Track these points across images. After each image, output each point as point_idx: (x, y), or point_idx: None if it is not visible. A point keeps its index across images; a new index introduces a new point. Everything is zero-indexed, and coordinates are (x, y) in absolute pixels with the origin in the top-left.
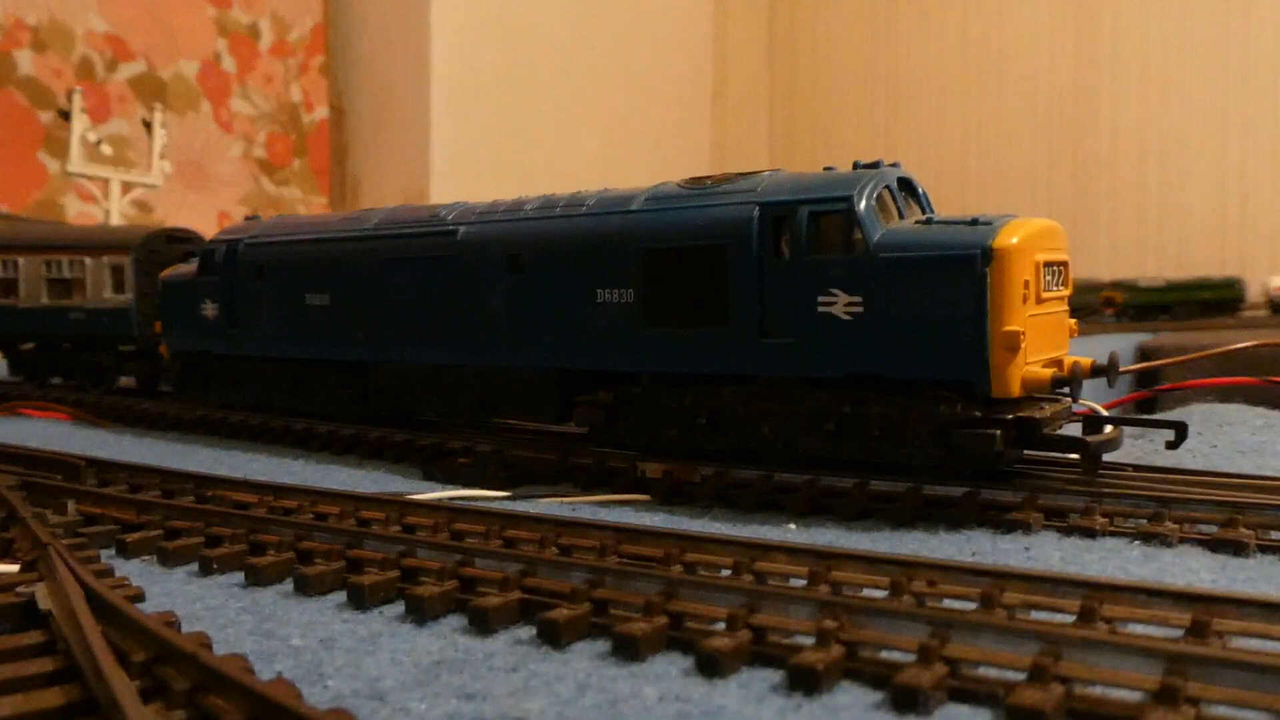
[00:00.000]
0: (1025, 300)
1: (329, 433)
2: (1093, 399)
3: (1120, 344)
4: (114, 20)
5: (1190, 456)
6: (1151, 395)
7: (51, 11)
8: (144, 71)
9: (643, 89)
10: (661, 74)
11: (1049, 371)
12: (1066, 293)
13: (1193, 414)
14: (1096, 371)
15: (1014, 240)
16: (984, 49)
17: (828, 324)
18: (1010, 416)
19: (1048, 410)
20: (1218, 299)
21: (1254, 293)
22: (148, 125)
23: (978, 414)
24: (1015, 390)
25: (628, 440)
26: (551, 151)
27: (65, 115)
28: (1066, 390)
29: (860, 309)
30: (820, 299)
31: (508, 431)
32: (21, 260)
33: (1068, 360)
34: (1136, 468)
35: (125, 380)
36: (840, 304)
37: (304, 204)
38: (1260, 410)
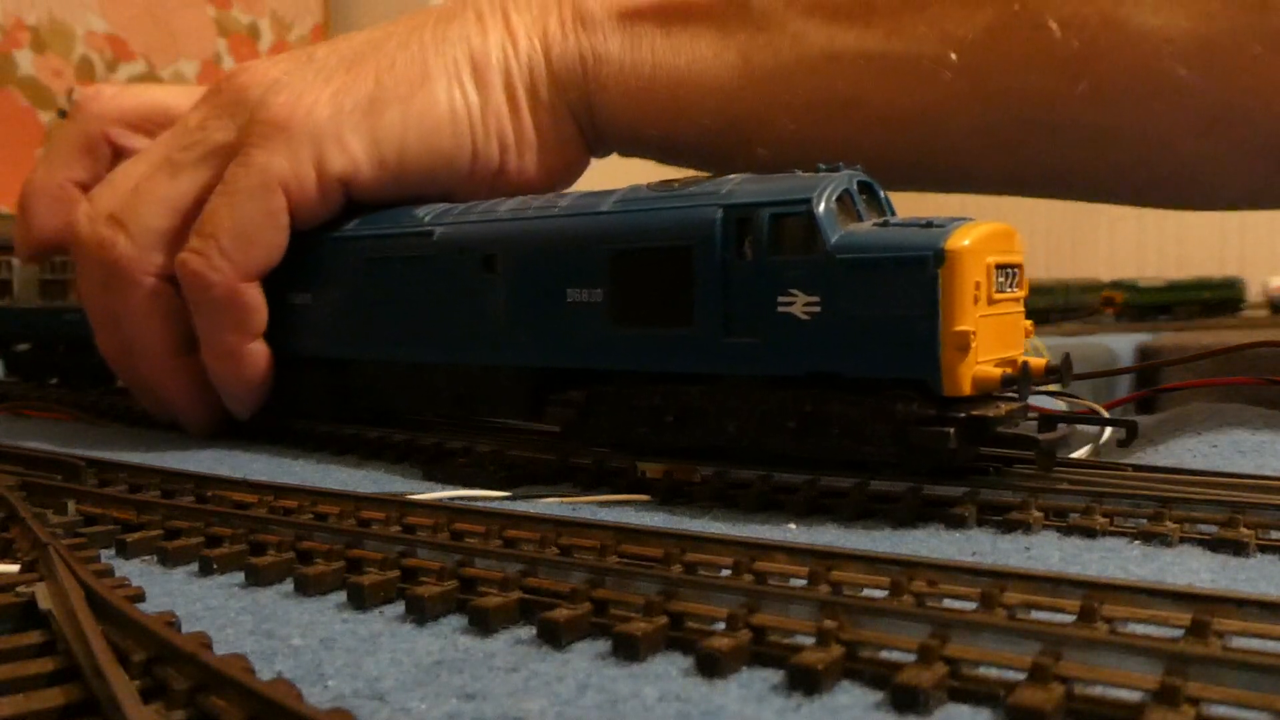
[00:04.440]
0: (976, 301)
1: (329, 433)
2: (1092, 399)
3: (1120, 344)
4: (114, 20)
5: (1190, 456)
6: (1151, 395)
7: (51, 11)
8: (144, 71)
9: None
10: None
11: (999, 371)
12: (1021, 294)
13: (1193, 414)
14: (1050, 372)
15: (965, 243)
16: None
17: (787, 323)
18: (963, 415)
19: (1002, 409)
20: (1218, 299)
21: (1254, 293)
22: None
23: (932, 412)
24: (966, 389)
25: (599, 438)
26: None
27: (65, 115)
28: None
29: (818, 309)
30: (780, 299)
31: (508, 431)
32: (16, 261)
33: (1021, 360)
34: (1136, 468)
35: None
36: (799, 304)
37: None
38: (1260, 410)
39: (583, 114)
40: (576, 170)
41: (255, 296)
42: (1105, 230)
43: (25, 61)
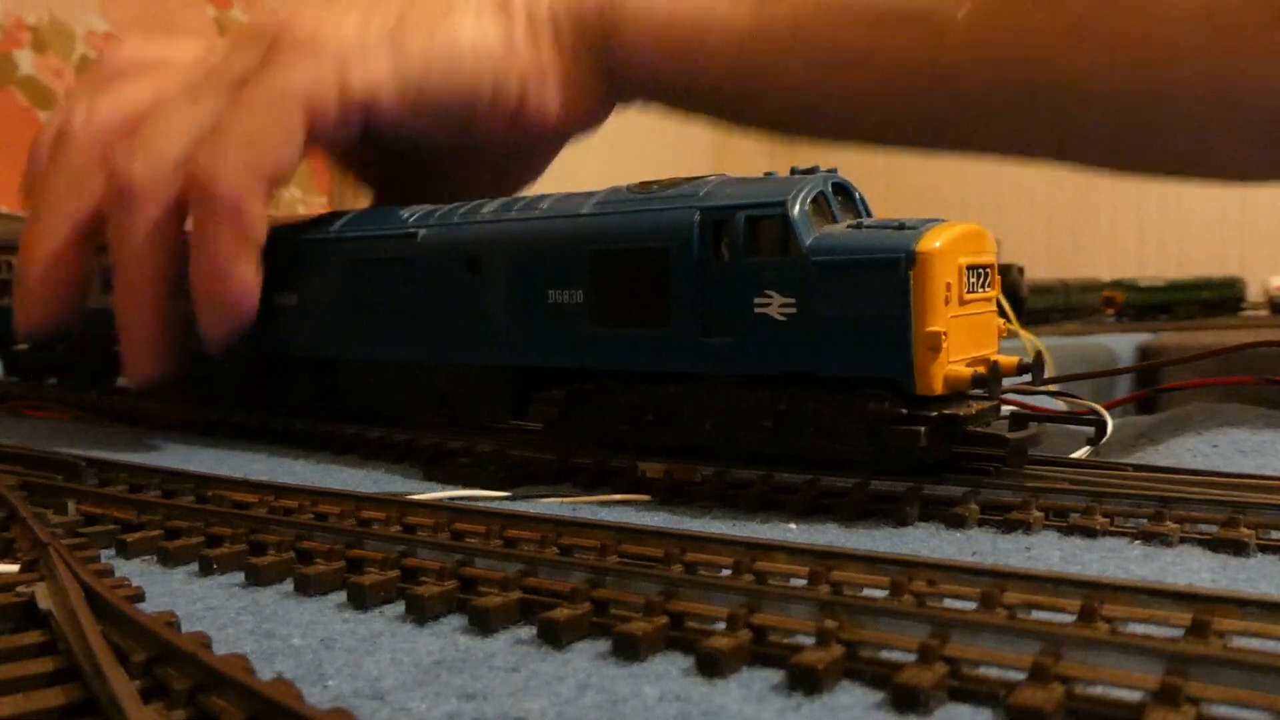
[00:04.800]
0: (948, 302)
1: (329, 433)
2: (1092, 399)
3: (1121, 343)
4: (114, 20)
5: (1190, 456)
6: (1151, 395)
7: (51, 11)
8: None
9: None
10: None
11: (969, 370)
12: (993, 294)
13: (1193, 414)
14: (1022, 370)
15: (936, 244)
16: None
17: (764, 324)
18: (934, 414)
19: (974, 408)
20: (1218, 298)
21: (1254, 293)
22: None
23: (904, 411)
24: (938, 388)
25: (581, 436)
26: None
27: None
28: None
29: (794, 310)
30: (756, 300)
31: (508, 431)
32: (15, 261)
33: (992, 359)
34: (1136, 468)
35: (124, 380)
36: (775, 305)
37: (304, 203)
38: (1260, 410)
39: (602, 56)
40: (597, 115)
41: (258, 208)
42: (1105, 230)
43: (25, 61)
